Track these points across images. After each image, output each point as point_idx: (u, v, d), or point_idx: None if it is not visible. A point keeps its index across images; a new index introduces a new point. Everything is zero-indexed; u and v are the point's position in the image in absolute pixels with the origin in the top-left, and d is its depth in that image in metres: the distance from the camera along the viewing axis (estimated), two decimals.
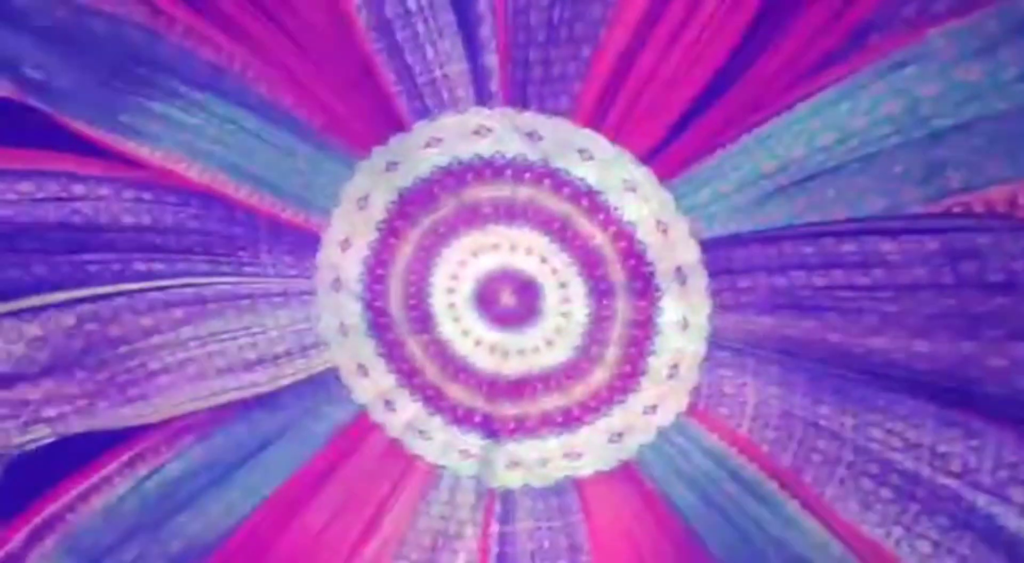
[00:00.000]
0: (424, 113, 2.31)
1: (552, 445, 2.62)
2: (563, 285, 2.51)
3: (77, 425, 2.42)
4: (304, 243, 2.49)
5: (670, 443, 2.47)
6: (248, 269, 2.45)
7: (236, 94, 2.18)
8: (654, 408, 2.51)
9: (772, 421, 2.30)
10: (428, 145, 2.37)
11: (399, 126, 2.33)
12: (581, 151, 2.31)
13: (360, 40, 2.16)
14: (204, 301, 2.44)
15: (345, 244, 2.52)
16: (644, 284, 2.43)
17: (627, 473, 2.54)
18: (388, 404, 2.65)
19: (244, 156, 2.29)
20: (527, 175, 2.39)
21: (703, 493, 2.41)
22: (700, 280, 2.34)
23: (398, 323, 2.60)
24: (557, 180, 2.38)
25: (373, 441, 2.64)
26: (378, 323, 2.60)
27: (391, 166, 2.41)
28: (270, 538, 2.54)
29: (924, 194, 1.90)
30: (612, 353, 2.52)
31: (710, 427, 2.41)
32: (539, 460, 2.63)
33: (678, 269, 2.36)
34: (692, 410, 2.44)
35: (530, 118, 2.29)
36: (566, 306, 2.52)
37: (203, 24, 2.05)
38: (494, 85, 2.22)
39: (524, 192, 2.42)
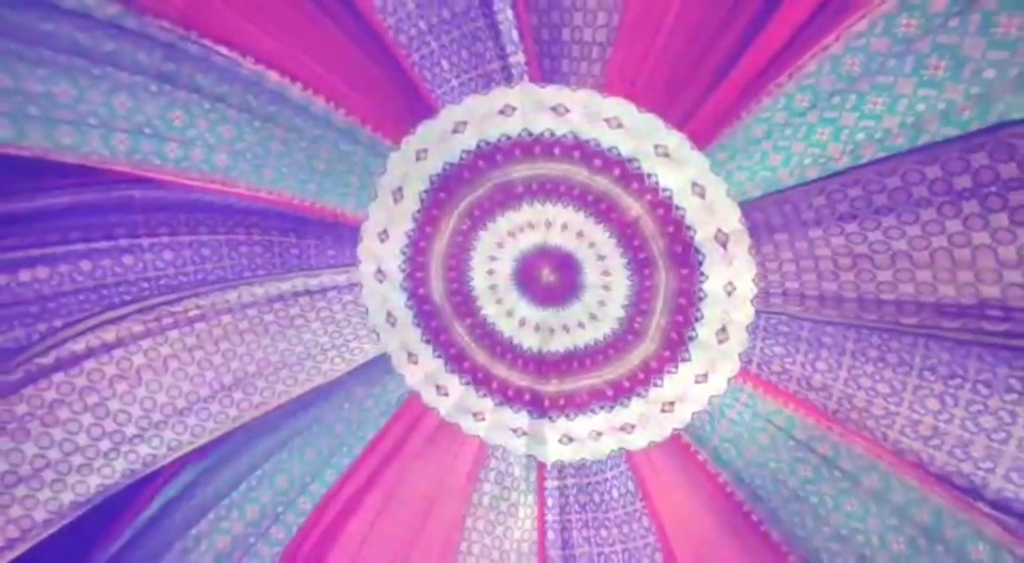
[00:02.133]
0: (450, 98, 2.32)
1: (604, 419, 2.61)
2: (602, 258, 2.49)
3: None
4: (345, 237, 2.55)
5: (724, 410, 2.43)
6: (296, 266, 2.54)
7: (273, 96, 2.22)
8: (705, 376, 2.47)
9: (825, 380, 2.23)
10: (455, 130, 2.38)
11: (426, 112, 2.35)
12: (609, 120, 2.28)
13: (380, 30, 2.17)
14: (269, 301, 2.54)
15: (383, 235, 2.56)
16: (685, 251, 2.38)
17: (679, 444, 2.53)
18: (439, 388, 2.69)
19: (284, 160, 2.34)
20: (556, 150, 2.37)
21: (759, 458, 2.37)
22: (742, 242, 2.28)
23: (441, 309, 2.64)
24: (587, 152, 2.35)
25: (425, 424, 2.69)
26: (423, 311, 2.65)
27: (421, 154, 2.43)
28: (335, 524, 2.62)
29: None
30: (657, 323, 2.49)
31: (764, 390, 2.36)
32: (591, 434, 2.63)
33: (719, 232, 2.30)
34: (744, 375, 2.39)
35: (554, 92, 2.26)
36: (607, 279, 2.50)
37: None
38: (518, 60, 2.21)
39: (556, 168, 2.40)
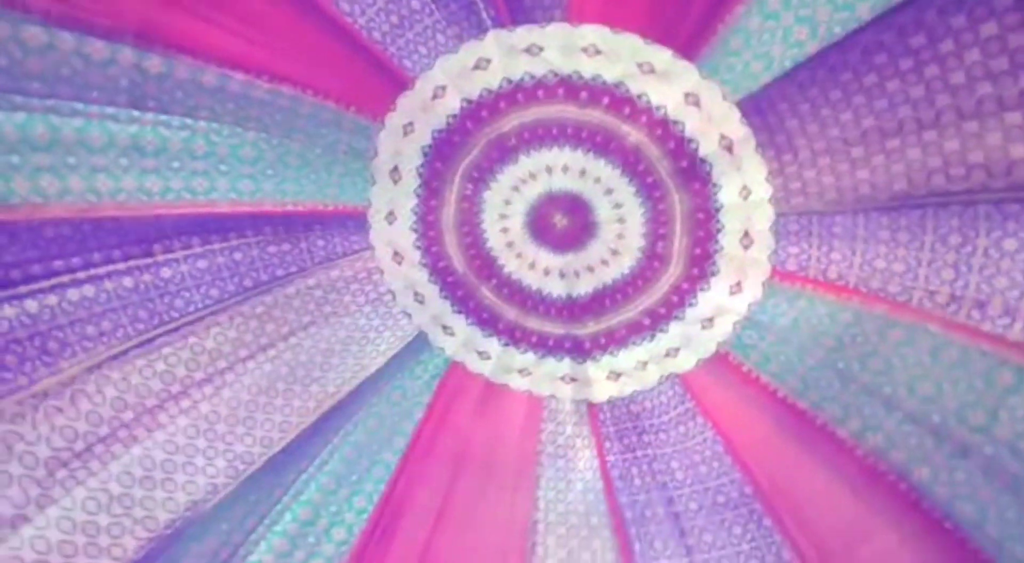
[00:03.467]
0: (422, 64, 2.27)
1: (646, 348, 2.62)
2: (610, 192, 2.45)
3: None
4: (355, 226, 2.54)
5: (766, 316, 2.40)
6: (324, 259, 2.54)
7: (246, 100, 2.18)
8: (739, 285, 2.44)
9: (857, 265, 2.18)
10: (435, 96, 2.33)
11: (402, 86, 2.31)
12: (586, 49, 2.21)
13: (334, 16, 2.12)
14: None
15: (391, 218, 2.56)
16: (692, 165, 2.33)
17: (729, 362, 2.50)
18: (480, 354, 2.72)
19: (278, 167, 2.34)
20: (540, 93, 2.32)
21: (808, 354, 2.34)
22: (748, 143, 2.22)
23: (465, 277, 2.64)
24: (572, 87, 2.30)
25: (471, 391, 2.72)
26: (447, 283, 2.65)
27: (407, 128, 2.40)
28: (403, 500, 2.64)
29: None
30: (680, 244, 2.46)
31: (793, 283, 2.32)
32: (637, 366, 2.64)
33: (722, 138, 2.24)
34: (777, 275, 2.36)
35: (525, 33, 2.20)
36: (619, 212, 2.46)
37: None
38: (486, 12, 2.14)
39: (544, 111, 2.35)
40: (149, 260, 2.23)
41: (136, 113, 2.02)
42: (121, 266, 2.18)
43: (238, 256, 2.39)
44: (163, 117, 2.06)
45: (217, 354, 2.39)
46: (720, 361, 2.52)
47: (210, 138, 2.16)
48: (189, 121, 2.11)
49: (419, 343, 2.69)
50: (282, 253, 2.46)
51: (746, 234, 2.35)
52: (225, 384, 2.42)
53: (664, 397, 2.62)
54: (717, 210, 2.38)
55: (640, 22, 2.14)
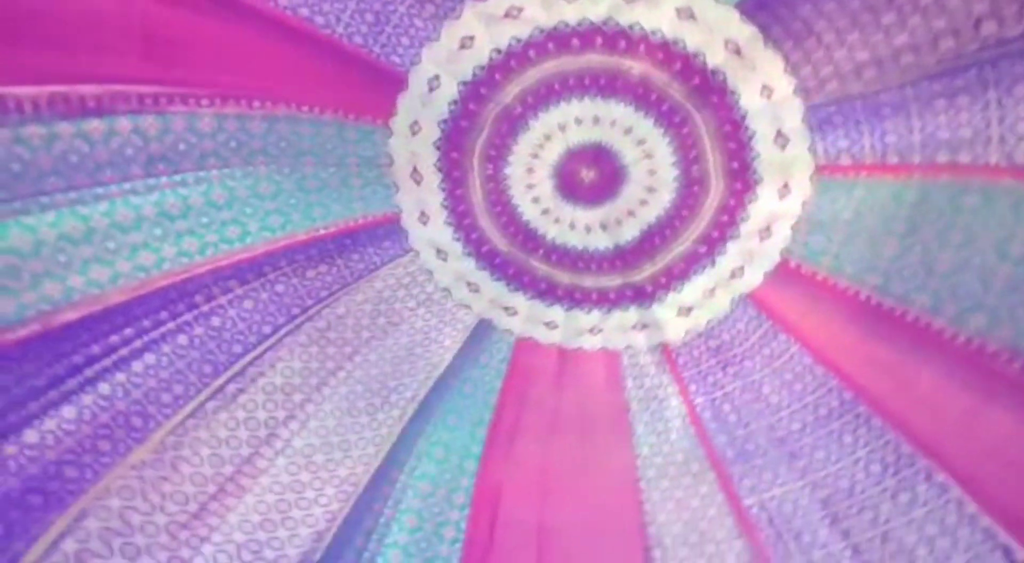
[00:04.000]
0: (409, 57, 2.25)
1: (709, 275, 2.56)
2: (628, 131, 2.38)
3: None
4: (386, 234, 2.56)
5: (822, 212, 2.30)
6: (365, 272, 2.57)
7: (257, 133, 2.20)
8: (786, 187, 2.35)
9: (918, 143, 2.04)
10: (432, 88, 2.32)
11: (396, 84, 2.28)
12: None
13: (311, 32, 2.13)
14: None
15: (424, 218, 2.57)
16: (704, 79, 2.23)
17: (800, 273, 2.39)
18: (547, 324, 2.72)
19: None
20: (531, 52, 2.26)
21: (880, 245, 2.20)
22: (756, 42, 2.11)
23: (511, 254, 2.63)
24: (560, 38, 2.22)
25: (545, 362, 2.72)
26: (496, 265, 2.64)
27: (415, 128, 2.39)
28: (500, 486, 2.64)
29: None
30: (714, 164, 2.38)
31: (845, 173, 2.21)
32: (705, 294, 2.58)
33: (727, 43, 2.15)
34: (822, 169, 2.25)
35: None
36: (643, 148, 2.40)
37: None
38: None
39: (537, 73, 2.29)
40: (196, 312, 2.30)
41: (152, 180, 2.08)
42: (171, 325, 2.25)
43: (280, 288, 2.44)
44: (177, 177, 2.12)
45: (290, 388, 2.46)
46: (792, 274, 2.42)
47: (226, 184, 2.21)
48: (202, 173, 2.16)
49: (481, 331, 2.70)
50: (320, 275, 2.50)
51: (779, 133, 2.26)
52: (308, 416, 2.49)
53: (741, 325, 2.54)
54: (743, 118, 2.29)
55: None
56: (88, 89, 1.89)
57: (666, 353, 2.65)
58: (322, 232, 2.43)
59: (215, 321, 2.34)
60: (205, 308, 2.31)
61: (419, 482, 2.59)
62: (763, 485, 2.46)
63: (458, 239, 2.62)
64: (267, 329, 2.43)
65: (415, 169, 2.48)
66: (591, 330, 2.71)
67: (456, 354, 2.67)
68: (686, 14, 2.13)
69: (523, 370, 2.71)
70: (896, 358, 2.23)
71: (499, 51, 2.27)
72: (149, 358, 2.20)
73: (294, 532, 2.38)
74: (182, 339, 2.27)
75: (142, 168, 2.05)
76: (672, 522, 2.54)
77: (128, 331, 2.16)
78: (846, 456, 2.34)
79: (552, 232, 2.60)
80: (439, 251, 2.62)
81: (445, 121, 2.40)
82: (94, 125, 1.92)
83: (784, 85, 2.17)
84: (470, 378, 2.69)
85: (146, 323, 2.19)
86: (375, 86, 2.29)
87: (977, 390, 2.09)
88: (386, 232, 2.55)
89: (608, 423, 2.66)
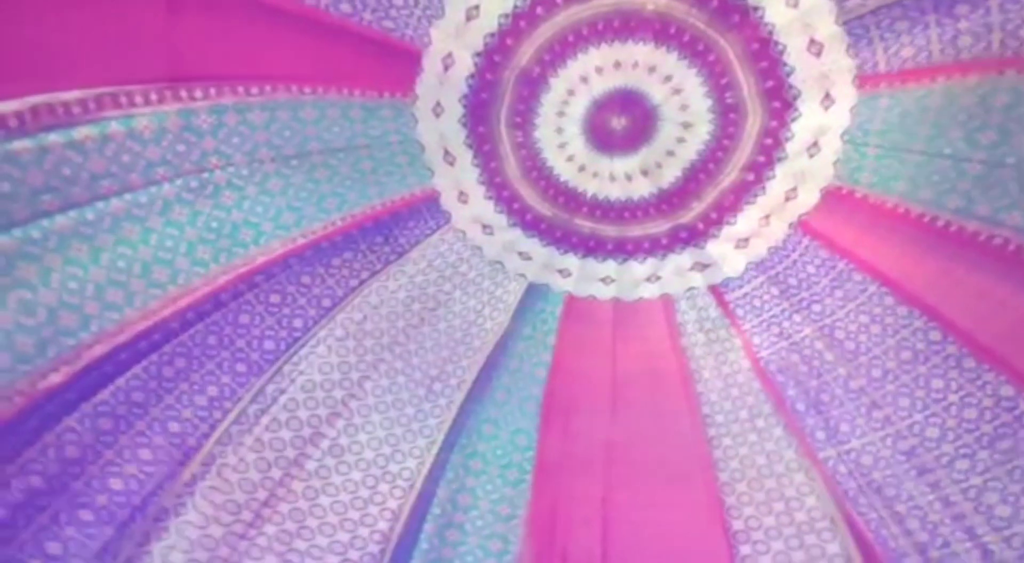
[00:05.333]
0: (420, 32, 2.19)
1: (762, 203, 2.46)
2: (652, 70, 2.29)
3: None
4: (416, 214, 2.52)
5: (863, 128, 2.17)
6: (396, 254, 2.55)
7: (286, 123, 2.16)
8: (828, 96, 2.22)
9: (936, 51, 1.89)
10: (447, 67, 2.28)
11: (413, 64, 2.23)
12: None
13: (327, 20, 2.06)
14: None
15: (463, 197, 2.57)
16: (722, 2, 2.13)
17: (851, 197, 2.28)
18: (604, 280, 2.70)
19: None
20: (539, 10, 2.18)
21: (914, 153, 2.10)
22: None
23: (555, 217, 2.61)
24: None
25: (601, 317, 2.67)
26: (542, 229, 2.62)
27: (438, 109, 2.38)
28: (556, 453, 2.61)
29: None
30: (748, 87, 2.27)
31: (873, 85, 2.06)
32: (761, 223, 2.49)
33: None
34: (863, 83, 2.10)
35: None
36: (671, 84, 2.30)
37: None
38: None
39: (554, 25, 2.20)
40: (224, 311, 2.29)
41: (153, 189, 2.01)
42: (200, 327, 2.26)
43: (306, 279, 2.41)
44: (179, 181, 2.05)
45: (330, 384, 2.46)
46: (845, 200, 2.30)
47: (234, 184, 2.16)
48: (206, 175, 2.09)
49: (524, 304, 2.66)
50: (347, 262, 2.44)
51: (812, 42, 2.13)
52: (353, 412, 2.50)
53: (811, 267, 2.42)
54: (770, 33, 2.17)
55: None
56: (72, 95, 1.79)
57: (724, 305, 2.56)
58: (339, 224, 2.39)
59: (243, 318, 2.29)
60: (232, 305, 2.27)
61: (470, 461, 2.59)
62: (839, 437, 2.36)
63: (500, 211, 2.61)
64: (298, 323, 2.40)
65: (446, 151, 2.47)
66: (648, 279, 2.67)
67: (500, 333, 2.66)
68: None
69: (573, 340, 2.68)
70: (950, 263, 2.11)
71: (506, 15, 2.22)
72: (179, 362, 2.18)
73: (355, 534, 2.39)
74: (211, 339, 2.26)
75: (141, 175, 1.97)
76: (737, 481, 2.47)
77: (156, 336, 2.13)
78: (935, 402, 2.20)
79: (592, 187, 2.56)
80: (484, 226, 2.63)
81: (466, 96, 2.37)
82: (85, 133, 1.83)
83: (822, 6, 2.04)
84: (515, 352, 2.68)
85: (174, 325, 2.17)
86: (391, 60, 2.22)
87: None
88: (411, 213, 2.51)
89: (672, 377, 2.62)
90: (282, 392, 2.40)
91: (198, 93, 1.98)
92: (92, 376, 2.04)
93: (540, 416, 2.63)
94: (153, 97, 1.92)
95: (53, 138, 1.81)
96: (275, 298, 2.38)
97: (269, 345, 2.39)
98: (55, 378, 1.93)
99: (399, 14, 2.13)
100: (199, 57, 1.98)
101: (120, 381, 2.12)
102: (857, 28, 2.04)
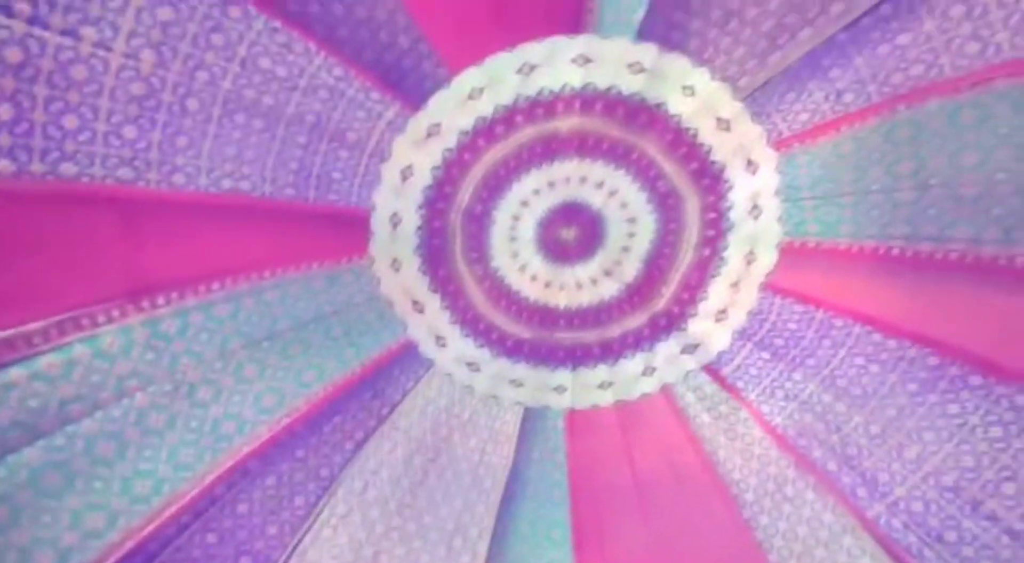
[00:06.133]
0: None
1: (726, 272, 2.50)
2: (583, 180, 2.42)
3: None
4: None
5: (792, 184, 2.28)
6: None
7: None
8: (750, 163, 2.34)
9: (874, 91, 2.01)
10: (395, 225, 2.40)
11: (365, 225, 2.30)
12: (471, 96, 2.22)
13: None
14: None
15: (440, 340, 2.59)
16: (627, 109, 2.30)
17: (795, 247, 2.34)
18: (601, 386, 2.67)
19: None
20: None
21: (850, 194, 2.17)
22: (660, 57, 2.16)
23: (531, 338, 2.63)
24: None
25: (605, 425, 2.63)
26: (528, 355, 2.64)
27: (395, 264, 2.46)
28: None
29: None
30: (674, 171, 2.39)
31: (800, 143, 2.17)
32: (732, 291, 2.51)
33: (632, 66, 2.22)
34: (777, 146, 2.23)
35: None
36: (605, 188, 2.42)
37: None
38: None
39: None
40: (219, 504, 2.20)
41: (126, 401, 1.96)
42: (196, 525, 2.17)
43: (300, 453, 2.35)
44: (152, 389, 2.00)
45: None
46: (800, 252, 2.35)
47: (208, 380, 2.12)
48: (179, 377, 2.05)
49: (525, 428, 2.63)
50: (336, 427, 2.39)
51: (719, 120, 2.29)
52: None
53: (792, 324, 2.43)
54: (679, 123, 2.32)
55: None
56: (33, 327, 1.77)
57: (721, 381, 2.55)
58: (322, 394, 2.38)
59: (241, 508, 2.22)
60: (228, 496, 2.19)
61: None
62: (881, 489, 2.22)
63: (481, 345, 2.63)
64: (299, 501, 2.33)
65: (414, 301, 2.52)
66: (644, 373, 2.66)
67: (508, 467, 2.60)
68: (582, 60, 2.22)
69: (584, 453, 2.62)
70: (945, 300, 2.11)
71: (437, 167, 2.37)
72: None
73: None
74: (211, 537, 2.17)
75: (113, 392, 1.93)
76: (786, 558, 2.35)
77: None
78: (958, 428, 2.09)
79: (563, 300, 2.61)
80: (469, 364, 2.63)
81: (419, 247, 2.46)
82: (49, 361, 1.80)
83: (703, 79, 2.22)
84: (529, 479, 2.61)
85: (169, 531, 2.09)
86: (337, 233, 2.29)
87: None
88: (394, 363, 2.50)
89: (693, 468, 2.54)
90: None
91: (160, 300, 1.98)
92: None
93: (571, 540, 2.52)
94: (116, 313, 1.92)
95: (16, 372, 1.78)
96: (271, 481, 2.31)
97: (272, 531, 2.30)
98: None
99: (340, 187, 2.25)
100: (159, 267, 2.01)
101: None
102: (753, 105, 2.19)
